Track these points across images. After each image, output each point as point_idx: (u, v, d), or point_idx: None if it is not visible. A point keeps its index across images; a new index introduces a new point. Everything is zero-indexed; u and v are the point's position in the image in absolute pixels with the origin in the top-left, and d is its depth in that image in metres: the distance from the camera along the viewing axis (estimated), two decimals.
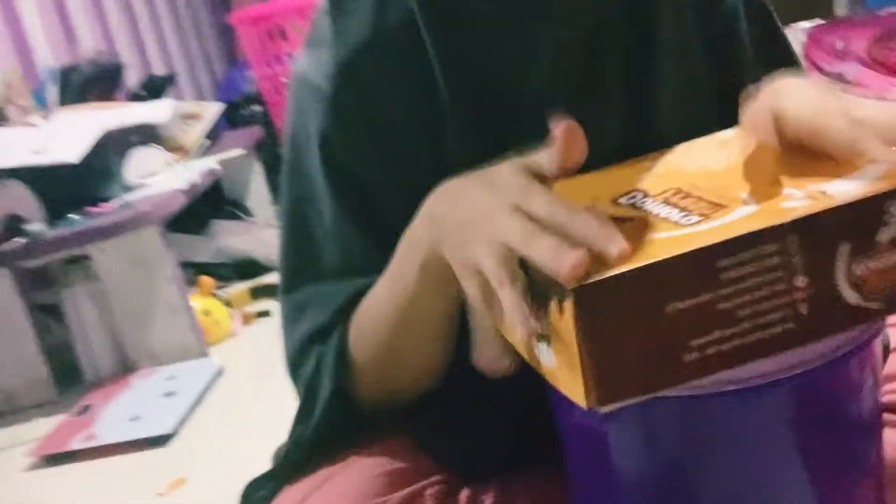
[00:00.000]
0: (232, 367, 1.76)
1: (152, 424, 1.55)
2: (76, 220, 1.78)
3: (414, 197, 0.51)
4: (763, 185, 0.43)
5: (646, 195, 0.44)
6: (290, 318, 0.61)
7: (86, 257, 1.77)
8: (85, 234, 1.73)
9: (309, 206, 0.60)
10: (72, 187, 1.80)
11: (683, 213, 0.41)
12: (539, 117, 0.46)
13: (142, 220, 1.74)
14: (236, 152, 2.24)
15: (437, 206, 0.49)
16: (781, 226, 0.38)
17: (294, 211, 0.62)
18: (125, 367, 1.82)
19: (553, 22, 0.57)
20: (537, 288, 0.41)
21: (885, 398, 0.57)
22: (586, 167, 0.45)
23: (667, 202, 0.43)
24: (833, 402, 0.45)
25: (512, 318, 0.40)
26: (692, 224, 0.40)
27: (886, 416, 0.55)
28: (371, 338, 0.57)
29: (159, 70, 2.91)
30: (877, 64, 2.15)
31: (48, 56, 2.37)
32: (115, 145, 1.89)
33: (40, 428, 1.67)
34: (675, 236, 0.40)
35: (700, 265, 0.38)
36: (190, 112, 2.25)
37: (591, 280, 0.37)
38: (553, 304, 0.39)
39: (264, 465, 0.64)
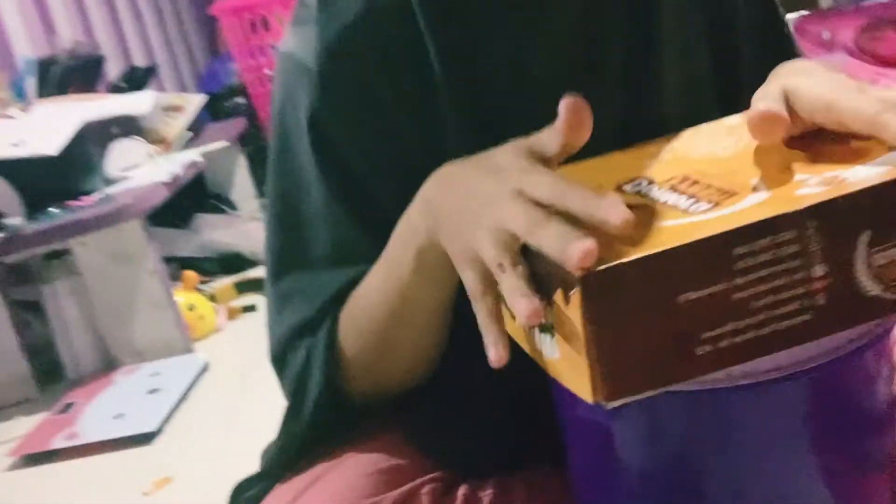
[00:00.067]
0: (217, 363, 1.75)
1: (136, 422, 1.54)
2: (56, 214, 1.76)
3: (408, 182, 0.49)
4: (774, 171, 0.41)
5: (651, 182, 0.43)
6: (277, 309, 0.60)
7: (66, 252, 1.76)
8: (65, 228, 1.72)
9: (297, 189, 0.58)
10: (51, 180, 1.78)
11: (692, 201, 0.40)
12: (537, 103, 0.45)
13: (123, 214, 1.73)
14: (219, 144, 2.23)
15: (434, 192, 0.48)
16: (800, 212, 0.37)
17: (281, 195, 0.60)
18: (108, 364, 1.81)
19: (549, 11, 0.56)
20: (539, 277, 0.39)
21: None
22: (586, 158, 0.44)
23: (674, 189, 0.42)
24: (848, 395, 0.44)
25: (513, 304, 0.39)
26: (702, 211, 0.39)
27: None
28: (363, 329, 0.56)
29: (140, 62, 2.89)
30: (864, 54, 2.15)
31: (26, 47, 2.35)
32: (95, 137, 1.88)
33: (21, 427, 1.65)
34: (684, 224, 0.38)
35: (714, 253, 0.36)
36: (172, 104, 2.24)
37: (600, 268, 0.36)
38: (558, 294, 0.38)
39: (252, 463, 0.63)
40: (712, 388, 0.41)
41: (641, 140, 0.48)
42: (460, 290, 0.46)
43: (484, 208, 0.42)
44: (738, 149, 0.44)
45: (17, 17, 2.36)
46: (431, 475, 0.58)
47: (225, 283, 2.11)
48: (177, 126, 2.21)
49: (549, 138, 0.43)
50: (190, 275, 1.99)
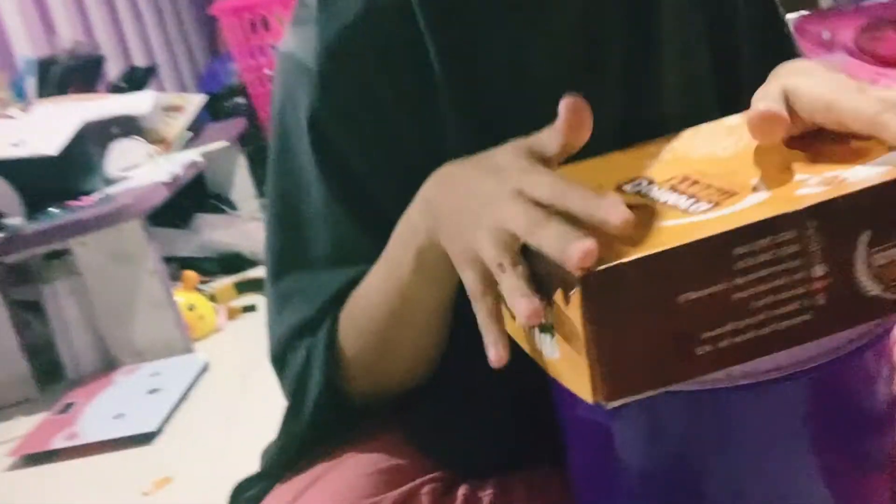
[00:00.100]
0: (217, 363, 1.75)
1: (136, 422, 1.53)
2: (56, 214, 1.76)
3: (408, 182, 0.49)
4: (774, 171, 0.41)
5: (651, 182, 0.43)
6: (277, 309, 0.60)
7: (66, 252, 1.76)
8: (65, 228, 1.71)
9: (297, 189, 0.58)
10: (51, 180, 1.78)
11: (692, 201, 0.40)
12: (537, 103, 0.45)
13: (123, 214, 1.72)
14: (220, 144, 2.22)
15: (434, 192, 0.47)
16: (800, 211, 0.37)
17: (281, 195, 0.59)
18: (108, 364, 1.80)
19: (549, 11, 0.56)
20: (539, 277, 0.39)
21: None
22: (585, 158, 0.44)
23: (674, 189, 0.41)
24: (848, 395, 0.44)
25: (513, 304, 0.38)
26: (702, 211, 0.39)
27: None
28: (363, 329, 0.55)
29: (140, 62, 2.88)
30: (864, 54, 2.15)
31: (26, 47, 2.35)
32: (95, 137, 1.87)
33: (21, 427, 1.65)
34: (684, 224, 0.38)
35: (714, 253, 0.36)
36: (172, 104, 2.24)
37: (600, 268, 0.36)
38: (558, 294, 0.38)
39: (252, 463, 0.63)
40: (712, 388, 0.41)
41: (641, 140, 0.48)
42: (460, 290, 0.46)
43: (484, 208, 0.41)
44: (738, 149, 0.44)
45: (17, 17, 2.36)
46: (431, 475, 0.58)
47: (225, 283, 2.11)
48: (177, 126, 2.21)
49: (549, 138, 0.43)
50: (190, 275, 1.99)
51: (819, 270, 0.37)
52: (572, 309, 0.36)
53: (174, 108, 2.23)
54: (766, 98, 0.42)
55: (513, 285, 0.39)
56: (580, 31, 0.56)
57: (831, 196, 0.37)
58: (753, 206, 0.38)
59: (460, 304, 0.49)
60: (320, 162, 0.57)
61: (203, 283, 2.08)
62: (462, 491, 0.58)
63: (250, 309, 1.97)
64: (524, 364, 0.42)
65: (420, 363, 0.57)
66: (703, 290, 0.36)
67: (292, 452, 0.59)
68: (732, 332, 0.37)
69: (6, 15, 2.32)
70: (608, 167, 0.46)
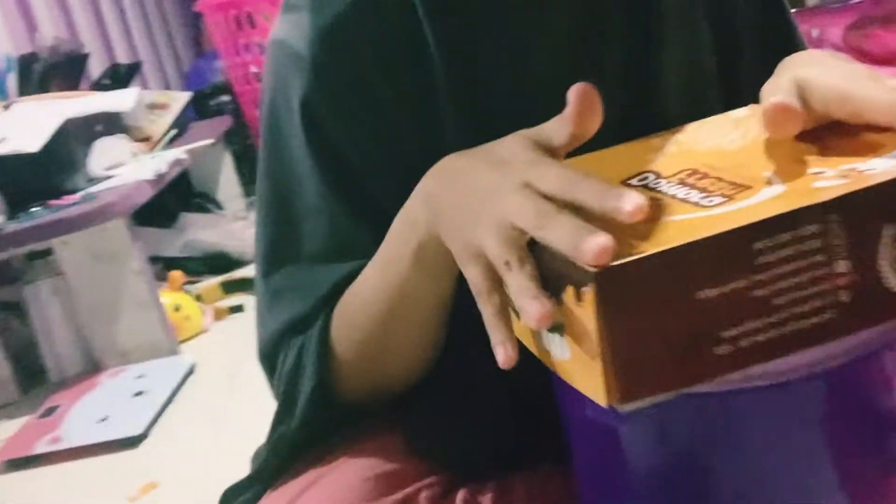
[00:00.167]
0: (204, 365, 1.74)
1: (121, 426, 1.53)
2: (38, 213, 1.75)
3: (404, 174, 0.48)
4: (787, 164, 0.40)
5: (659, 176, 0.42)
6: (267, 305, 0.58)
7: (49, 252, 1.75)
8: (48, 227, 1.70)
9: (290, 181, 0.57)
10: (33, 179, 1.77)
11: (703, 195, 0.39)
12: (537, 103, 0.45)
13: (107, 213, 1.71)
14: (205, 142, 2.21)
15: (435, 185, 0.46)
16: (823, 204, 0.36)
17: (273, 187, 0.58)
18: (92, 366, 1.80)
19: (549, 11, 0.55)
20: (546, 273, 0.38)
21: None
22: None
23: (683, 183, 0.40)
24: (869, 395, 0.43)
25: (521, 306, 0.37)
26: (715, 205, 0.38)
27: None
28: (359, 327, 0.54)
29: (123, 60, 2.86)
30: (853, 51, 2.16)
31: (7, 44, 2.33)
32: (78, 135, 1.87)
33: (3, 431, 1.64)
34: (697, 218, 0.37)
35: (734, 248, 0.35)
36: (157, 101, 2.24)
37: (615, 263, 0.34)
38: (569, 292, 0.36)
39: (241, 467, 0.62)
40: (727, 390, 0.40)
41: (647, 129, 0.47)
42: (459, 286, 0.45)
43: (488, 202, 0.40)
44: (746, 141, 0.43)
45: None
46: (430, 479, 0.57)
47: (211, 283, 2.11)
48: (162, 124, 2.21)
49: (557, 128, 0.42)
50: (175, 275, 1.99)
51: (842, 266, 0.36)
52: (585, 307, 0.35)
53: (159, 106, 2.23)
54: (778, 90, 0.41)
55: (521, 285, 0.37)
56: (580, 31, 0.56)
57: (854, 188, 0.36)
58: (769, 199, 0.37)
59: (459, 300, 0.48)
60: (314, 151, 0.55)
61: (189, 283, 2.08)
62: (461, 495, 0.57)
63: (237, 309, 1.97)
64: (525, 362, 0.41)
65: (417, 362, 0.56)
66: (722, 287, 0.35)
67: (283, 455, 0.57)
68: (753, 330, 0.36)
69: None
70: (611, 161, 0.45)
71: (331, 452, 0.57)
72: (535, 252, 0.38)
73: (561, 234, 0.36)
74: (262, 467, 0.59)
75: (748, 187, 0.38)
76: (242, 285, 2.03)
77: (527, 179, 0.39)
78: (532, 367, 0.41)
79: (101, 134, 1.93)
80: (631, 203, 0.35)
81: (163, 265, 2.13)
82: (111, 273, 1.74)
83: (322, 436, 0.57)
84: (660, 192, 0.40)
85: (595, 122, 0.41)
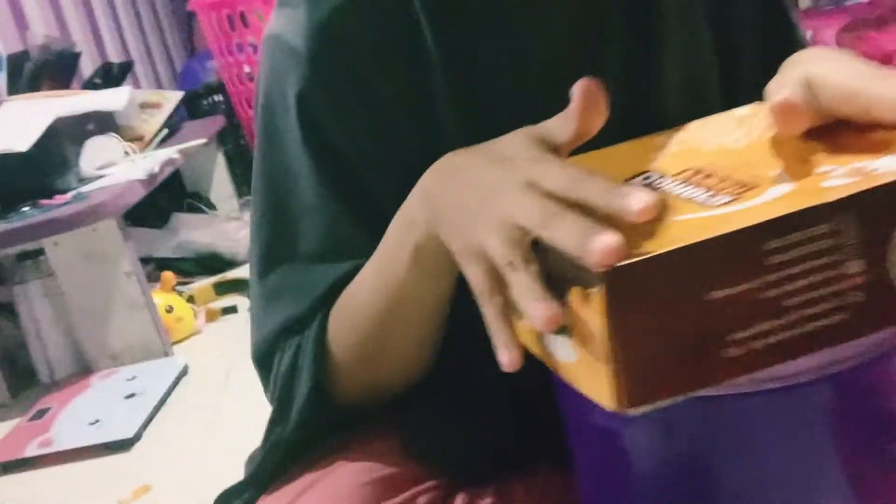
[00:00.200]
0: (197, 367, 1.73)
1: (113, 428, 1.52)
2: (29, 213, 1.73)
3: (403, 172, 0.48)
4: (794, 163, 0.40)
5: (662, 175, 0.41)
6: (263, 306, 0.58)
7: (39, 252, 1.73)
8: (38, 227, 1.68)
9: (285, 179, 0.56)
10: (23, 178, 1.75)
11: (709, 194, 0.38)
12: (537, 104, 0.45)
13: (98, 213, 1.70)
14: (198, 142, 2.20)
15: (435, 183, 0.45)
16: (835, 203, 0.35)
17: (268, 185, 0.57)
18: (83, 368, 1.79)
19: (549, 11, 0.55)
20: (552, 275, 0.37)
21: None
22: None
23: (687, 182, 0.40)
24: (877, 398, 0.43)
25: (527, 308, 0.36)
26: (722, 205, 0.37)
27: None
28: (356, 327, 0.54)
29: (115, 59, 2.85)
30: None
31: None
32: (69, 134, 1.86)
33: None
34: (705, 217, 0.36)
35: (745, 248, 0.35)
36: (149, 101, 2.23)
37: (624, 263, 0.33)
38: (575, 293, 0.35)
39: (235, 470, 0.61)
40: (734, 393, 0.39)
41: (647, 130, 0.47)
42: (459, 286, 0.44)
43: (489, 200, 0.39)
44: (751, 140, 0.43)
45: None
46: (428, 484, 0.56)
47: (204, 284, 2.10)
48: (154, 123, 2.20)
49: (561, 125, 0.41)
50: (168, 276, 1.98)
51: (854, 266, 0.36)
52: (592, 309, 0.34)
53: (151, 105, 2.22)
54: (785, 87, 0.41)
55: (526, 287, 0.36)
56: (580, 31, 0.56)
57: (866, 187, 0.36)
58: (778, 198, 0.37)
59: (458, 300, 0.48)
60: (310, 148, 0.55)
61: (181, 284, 2.07)
62: (460, 499, 0.57)
63: (230, 311, 1.96)
64: (525, 361, 0.40)
65: (415, 363, 0.55)
66: (733, 288, 0.35)
67: (279, 459, 0.57)
68: (763, 332, 0.35)
69: None
70: (612, 160, 0.44)
71: (327, 456, 0.56)
72: (537, 252, 0.38)
73: (567, 234, 0.35)
74: (257, 471, 0.58)
75: (755, 186, 0.38)
76: (235, 286, 2.02)
77: (530, 177, 0.38)
78: (532, 366, 0.40)
79: (93, 133, 1.93)
80: (639, 202, 0.34)
81: (155, 266, 2.13)
82: (102, 274, 1.73)
83: (318, 439, 0.56)
84: (663, 191, 0.39)
85: (600, 119, 0.40)
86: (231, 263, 2.18)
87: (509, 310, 0.40)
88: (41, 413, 1.63)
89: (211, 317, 1.95)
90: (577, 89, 0.40)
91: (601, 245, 0.33)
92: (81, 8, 2.80)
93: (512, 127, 0.43)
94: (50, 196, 1.78)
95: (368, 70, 0.54)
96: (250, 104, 2.50)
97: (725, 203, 0.37)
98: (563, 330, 0.37)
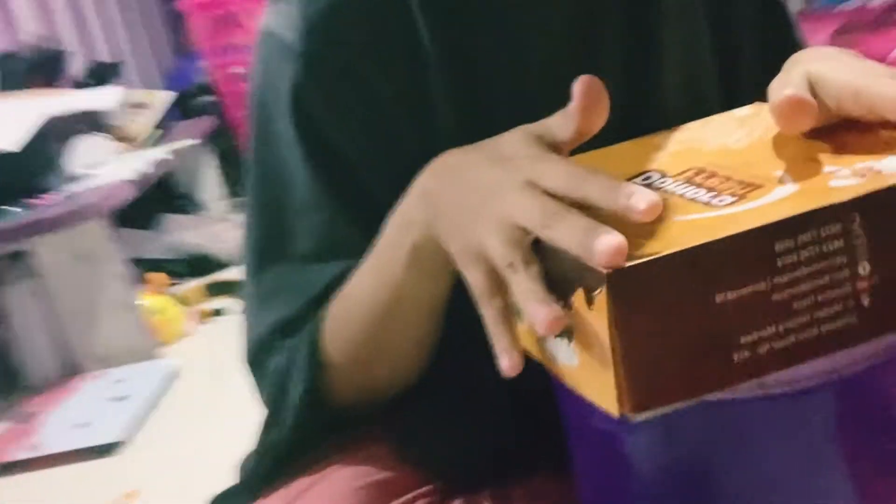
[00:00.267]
0: (187, 369, 1.73)
1: (101, 431, 1.51)
2: (16, 213, 1.73)
3: (400, 171, 0.47)
4: (799, 162, 0.39)
5: (664, 175, 0.41)
6: (256, 306, 0.57)
7: (27, 253, 1.73)
8: (26, 227, 1.69)
9: (279, 177, 0.55)
10: (11, 177, 1.75)
11: (713, 194, 0.38)
12: (536, 104, 0.44)
13: (87, 213, 1.70)
14: (188, 143, 2.20)
15: (433, 183, 0.45)
16: (845, 204, 0.35)
17: (261, 183, 0.57)
18: (70, 370, 1.78)
19: (549, 11, 0.55)
20: (553, 276, 0.36)
21: None
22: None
23: (690, 182, 0.39)
24: (883, 403, 0.42)
25: (528, 310, 0.35)
26: (726, 205, 0.36)
27: None
28: (351, 329, 0.53)
29: (105, 59, 2.84)
30: None
31: None
32: (58, 133, 1.86)
33: None
34: (708, 217, 0.36)
35: (754, 248, 0.34)
36: (138, 101, 2.23)
37: (629, 264, 0.33)
38: (578, 295, 0.35)
39: (226, 474, 0.60)
40: (739, 398, 0.38)
41: (647, 130, 0.46)
42: (456, 286, 0.43)
43: (489, 200, 0.39)
44: (752, 140, 0.42)
45: None
46: (424, 489, 0.55)
47: (194, 285, 2.10)
48: (143, 123, 2.20)
49: (562, 123, 0.40)
50: (157, 277, 2.00)
51: (864, 268, 0.35)
52: (596, 311, 0.33)
53: (141, 105, 2.23)
54: (789, 85, 0.40)
55: (527, 288, 0.36)
56: (579, 31, 0.56)
57: (875, 188, 0.35)
58: (784, 199, 0.36)
59: (456, 301, 0.47)
60: (305, 146, 0.54)
61: (171, 285, 2.07)
62: None
63: (221, 312, 1.96)
64: (525, 362, 0.39)
65: (412, 364, 0.54)
66: (741, 290, 0.34)
67: (272, 463, 0.56)
68: (773, 336, 0.35)
69: None
70: (613, 160, 0.43)
71: (321, 460, 0.55)
72: (539, 253, 0.37)
73: (570, 234, 0.34)
74: (251, 475, 0.57)
75: (759, 186, 0.37)
76: (226, 287, 2.02)
77: (531, 176, 0.38)
78: (533, 366, 0.39)
79: (82, 132, 1.93)
80: (645, 201, 0.34)
81: (144, 267, 2.12)
82: (90, 275, 1.72)
83: (313, 442, 0.55)
84: (665, 191, 0.39)
85: (601, 118, 0.40)
86: (221, 265, 2.18)
87: (509, 312, 0.39)
88: (28, 416, 1.62)
89: (202, 318, 1.95)
90: (578, 87, 0.39)
91: (604, 245, 0.32)
92: (71, 7, 2.80)
93: (511, 127, 0.43)
94: (37, 196, 1.78)
95: (364, 66, 0.53)
96: (242, 105, 2.49)
97: (729, 203, 0.36)
98: (565, 333, 0.36)
